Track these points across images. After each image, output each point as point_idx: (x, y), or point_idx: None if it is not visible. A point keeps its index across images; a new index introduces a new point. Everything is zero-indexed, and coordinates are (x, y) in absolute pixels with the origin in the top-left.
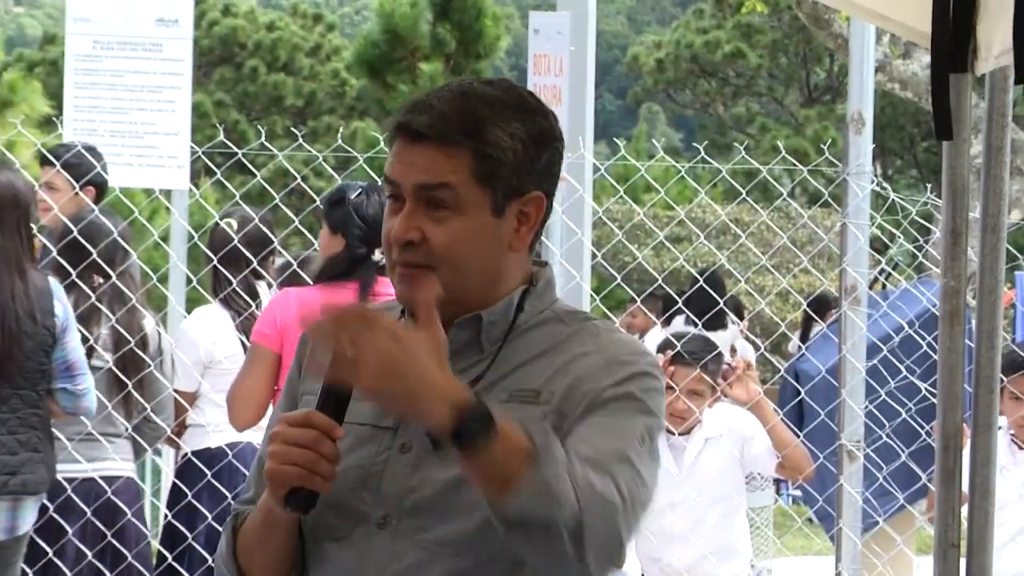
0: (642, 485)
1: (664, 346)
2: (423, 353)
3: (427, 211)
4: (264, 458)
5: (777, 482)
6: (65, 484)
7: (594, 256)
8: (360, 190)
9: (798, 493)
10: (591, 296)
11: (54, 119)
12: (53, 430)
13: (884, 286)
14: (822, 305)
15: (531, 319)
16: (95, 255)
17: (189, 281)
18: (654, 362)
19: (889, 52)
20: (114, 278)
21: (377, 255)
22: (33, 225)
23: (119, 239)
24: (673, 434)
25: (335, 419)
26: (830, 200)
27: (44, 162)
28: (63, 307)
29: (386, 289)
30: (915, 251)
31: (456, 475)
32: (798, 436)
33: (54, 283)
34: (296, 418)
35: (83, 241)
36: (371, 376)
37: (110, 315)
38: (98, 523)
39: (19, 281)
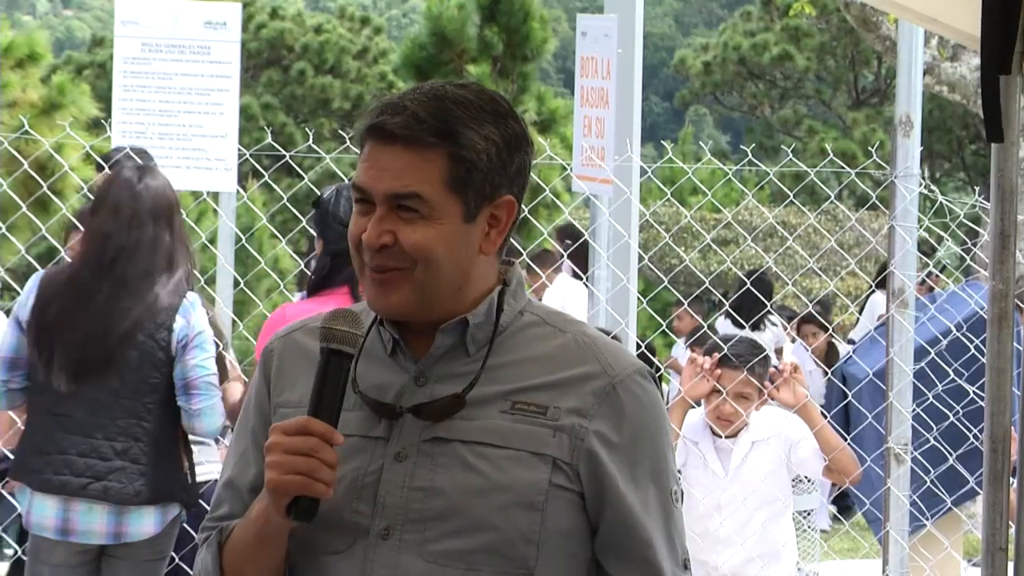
0: (680, 544)
1: (711, 349)
2: None
3: (399, 214)
4: (234, 479)
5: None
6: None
7: (641, 259)
8: (332, 191)
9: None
10: (638, 299)
11: (103, 121)
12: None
13: (932, 289)
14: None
15: (512, 320)
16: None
17: (237, 283)
18: (645, 370)
19: (937, 54)
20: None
21: None
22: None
23: None
24: (720, 437)
25: (330, 421)
26: (878, 203)
27: (100, 167)
28: (188, 323)
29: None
30: (963, 254)
31: (469, 486)
32: (845, 439)
33: (192, 298)
34: (293, 426)
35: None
36: None
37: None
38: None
39: (144, 289)
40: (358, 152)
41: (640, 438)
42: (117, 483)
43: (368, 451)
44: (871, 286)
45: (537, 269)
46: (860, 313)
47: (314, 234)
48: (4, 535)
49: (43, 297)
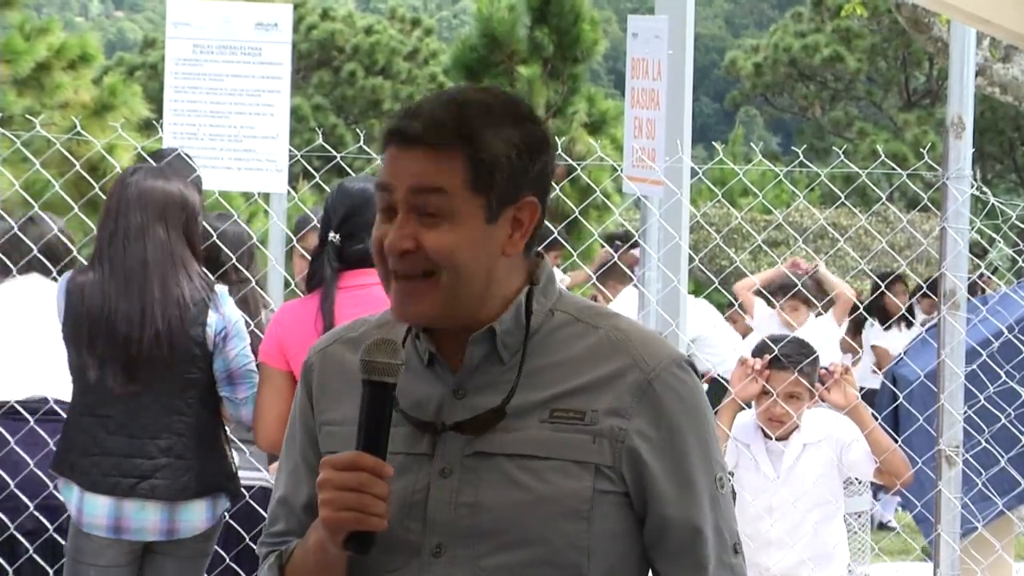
0: (728, 531)
1: (761, 350)
2: None
3: (420, 219)
4: (288, 497)
5: (874, 489)
6: (242, 489)
7: (691, 260)
8: (336, 183)
9: (895, 498)
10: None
11: (154, 123)
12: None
13: (983, 290)
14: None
15: (544, 320)
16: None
17: (287, 284)
18: (683, 359)
19: (989, 55)
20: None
21: (330, 236)
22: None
23: (221, 244)
24: (771, 438)
25: (379, 454)
26: (929, 204)
27: None
28: (221, 317)
29: (353, 281)
30: (1015, 255)
31: (515, 500)
32: (896, 441)
33: (220, 291)
34: (343, 461)
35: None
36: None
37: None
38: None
39: (170, 282)
40: None
41: (681, 432)
42: (165, 480)
43: (415, 468)
44: (922, 288)
45: (599, 285)
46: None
47: None
48: None
49: (73, 300)
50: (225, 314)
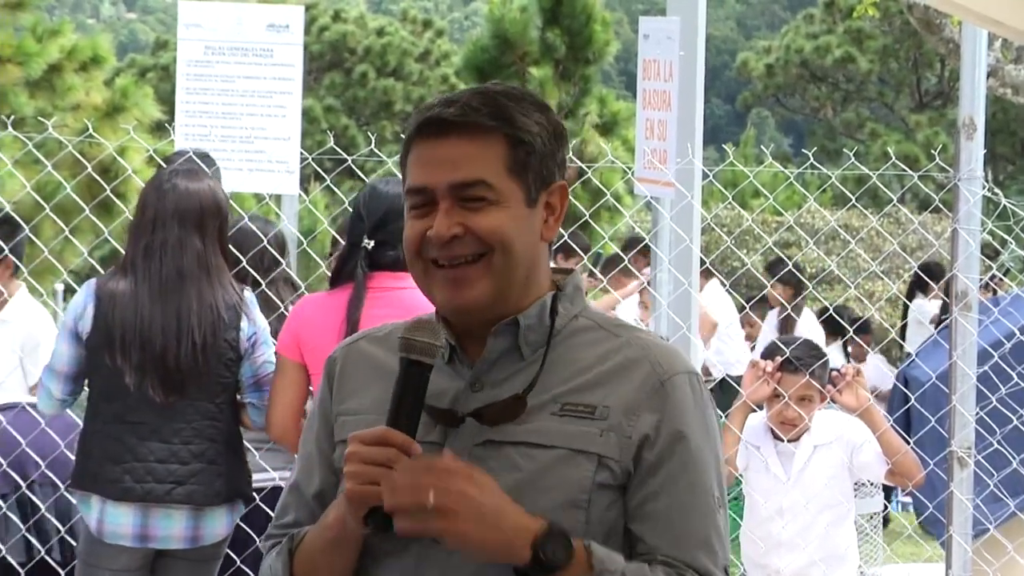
0: (721, 548)
1: (771, 352)
2: (497, 493)
3: (464, 205)
4: (300, 484)
5: (887, 489)
6: (254, 494)
7: (703, 262)
8: (367, 185)
9: (908, 500)
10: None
11: (166, 124)
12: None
13: (995, 292)
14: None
15: (568, 323)
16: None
17: (299, 286)
18: (697, 373)
19: (1001, 57)
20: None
21: (364, 242)
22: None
23: (269, 246)
24: (782, 440)
25: (408, 433)
26: (941, 206)
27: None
28: (251, 322)
29: (381, 283)
30: None
31: (515, 486)
32: (907, 442)
33: (249, 297)
34: (372, 436)
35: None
36: (463, 523)
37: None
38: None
39: (206, 292)
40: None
41: (685, 436)
42: (199, 485)
43: (424, 456)
44: (910, 292)
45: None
46: (902, 319)
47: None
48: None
49: (103, 308)
50: (255, 319)
